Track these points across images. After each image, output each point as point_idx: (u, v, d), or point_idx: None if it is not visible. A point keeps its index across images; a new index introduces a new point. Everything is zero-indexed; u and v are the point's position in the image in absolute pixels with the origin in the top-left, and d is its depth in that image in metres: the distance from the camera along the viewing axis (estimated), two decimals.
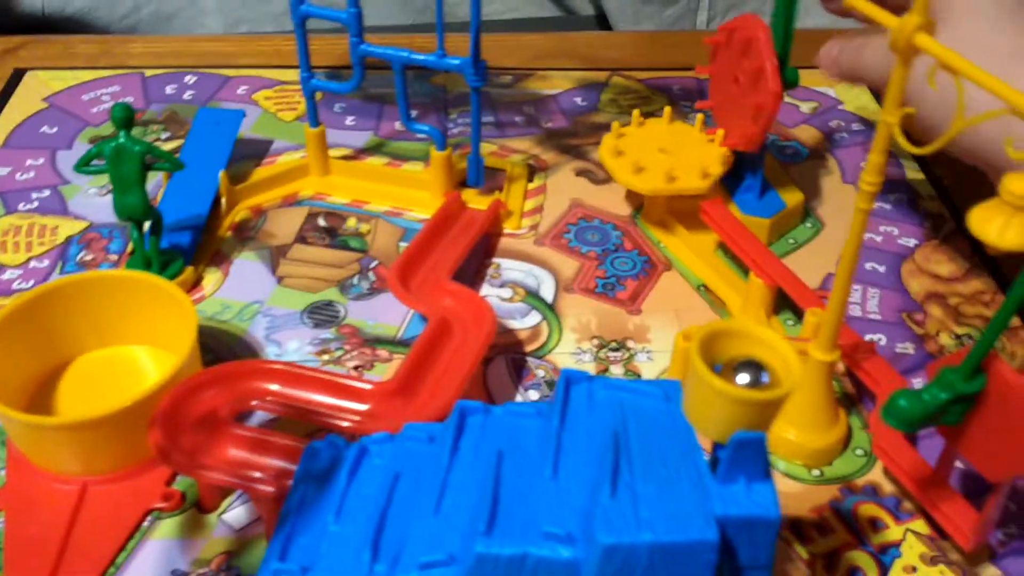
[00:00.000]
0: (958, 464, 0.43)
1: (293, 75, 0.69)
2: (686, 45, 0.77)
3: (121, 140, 0.48)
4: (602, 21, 0.99)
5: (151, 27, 0.98)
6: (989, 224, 0.31)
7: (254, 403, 0.41)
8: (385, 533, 0.32)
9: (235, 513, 0.42)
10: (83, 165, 0.49)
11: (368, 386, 0.42)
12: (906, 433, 0.42)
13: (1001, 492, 0.36)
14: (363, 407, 0.42)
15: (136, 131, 0.64)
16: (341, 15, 0.53)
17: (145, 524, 0.42)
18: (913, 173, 0.64)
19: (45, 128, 0.65)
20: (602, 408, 0.33)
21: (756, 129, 0.53)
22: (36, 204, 0.59)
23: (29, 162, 0.62)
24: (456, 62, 0.53)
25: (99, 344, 0.47)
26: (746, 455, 0.29)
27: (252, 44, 0.75)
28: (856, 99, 0.70)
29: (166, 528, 0.41)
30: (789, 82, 0.54)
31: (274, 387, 0.41)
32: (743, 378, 0.29)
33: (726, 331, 0.30)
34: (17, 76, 0.70)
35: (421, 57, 0.54)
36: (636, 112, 0.58)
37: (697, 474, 0.30)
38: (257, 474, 0.37)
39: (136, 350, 0.48)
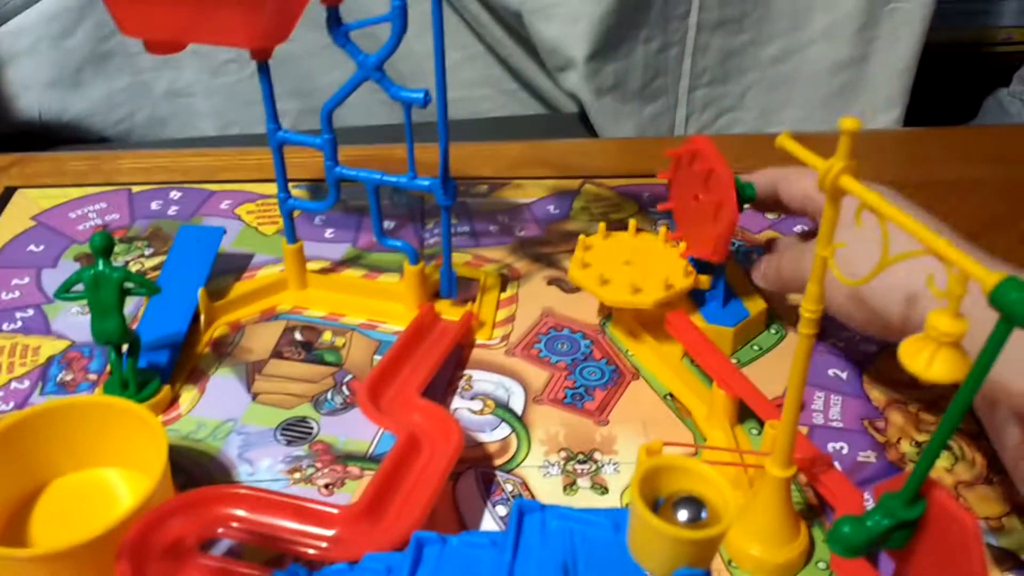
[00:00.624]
0: None
1: (267, 187, 0.72)
2: (660, 151, 0.80)
3: (100, 267, 0.50)
4: (585, 119, 1.02)
5: (146, 131, 1.01)
6: (917, 358, 0.32)
7: (220, 531, 0.42)
8: None
9: None
10: (63, 292, 0.50)
11: (334, 510, 0.43)
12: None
13: None
14: (329, 532, 0.43)
15: (120, 247, 0.67)
16: (316, 141, 0.56)
17: None
18: None
19: (32, 247, 0.67)
20: (553, 539, 0.34)
21: (719, 231, 0.54)
22: (20, 324, 0.60)
23: (15, 281, 0.64)
24: (426, 183, 0.56)
25: (74, 467, 0.48)
26: None
27: (237, 158, 0.78)
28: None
29: None
30: (747, 198, 0.56)
31: (240, 513, 0.42)
32: (683, 515, 0.30)
33: (666, 466, 0.31)
34: (7, 194, 0.72)
35: (393, 179, 0.56)
36: (602, 225, 0.60)
37: None
38: None
39: (110, 472, 0.49)
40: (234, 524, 0.42)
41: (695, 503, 0.30)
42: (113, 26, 0.96)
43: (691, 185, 0.57)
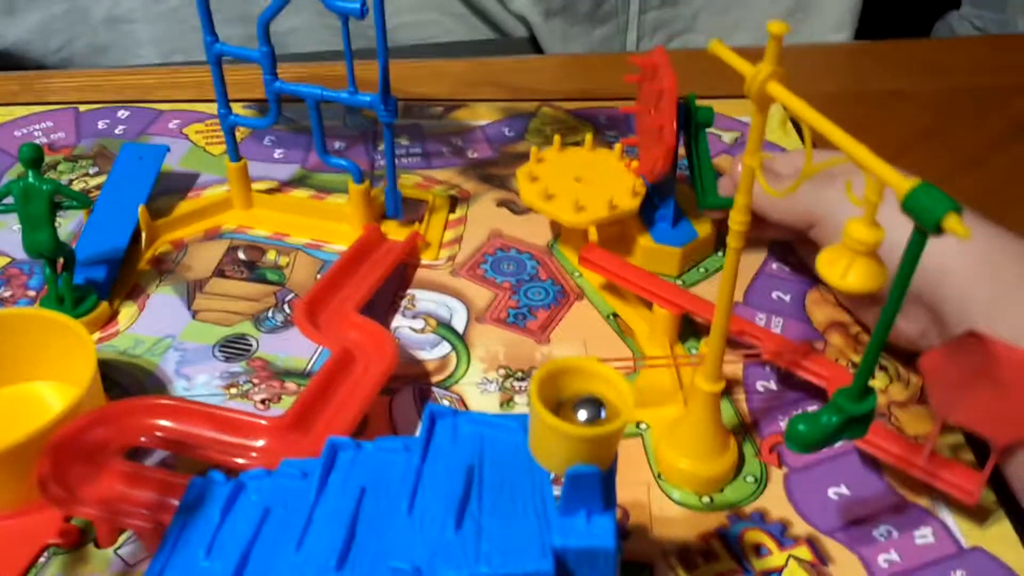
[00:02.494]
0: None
1: (213, 107, 0.71)
2: (612, 68, 0.79)
3: (29, 179, 0.49)
4: (535, 43, 1.00)
5: (85, 60, 0.98)
6: (833, 267, 0.32)
7: (143, 439, 0.41)
8: (247, 570, 0.33)
9: (130, 549, 0.43)
10: None
11: (263, 421, 0.43)
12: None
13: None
14: (258, 443, 0.43)
15: (65, 166, 0.66)
16: (253, 54, 0.55)
17: (42, 560, 0.42)
18: None
19: None
20: (463, 442, 0.34)
21: (660, 152, 0.54)
22: None
23: None
24: (367, 99, 0.55)
25: (7, 381, 0.48)
26: (583, 488, 0.30)
27: (172, 76, 0.76)
28: (775, 131, 0.72)
29: (61, 564, 0.42)
30: (702, 122, 0.56)
31: (164, 423, 0.42)
32: (582, 415, 0.30)
33: (566, 368, 0.31)
34: None
35: (333, 94, 0.55)
36: (557, 138, 0.60)
37: (543, 507, 0.31)
38: (133, 509, 0.38)
39: (43, 386, 0.48)
40: (158, 433, 0.42)
41: (595, 403, 0.30)
42: None
43: (648, 100, 0.56)
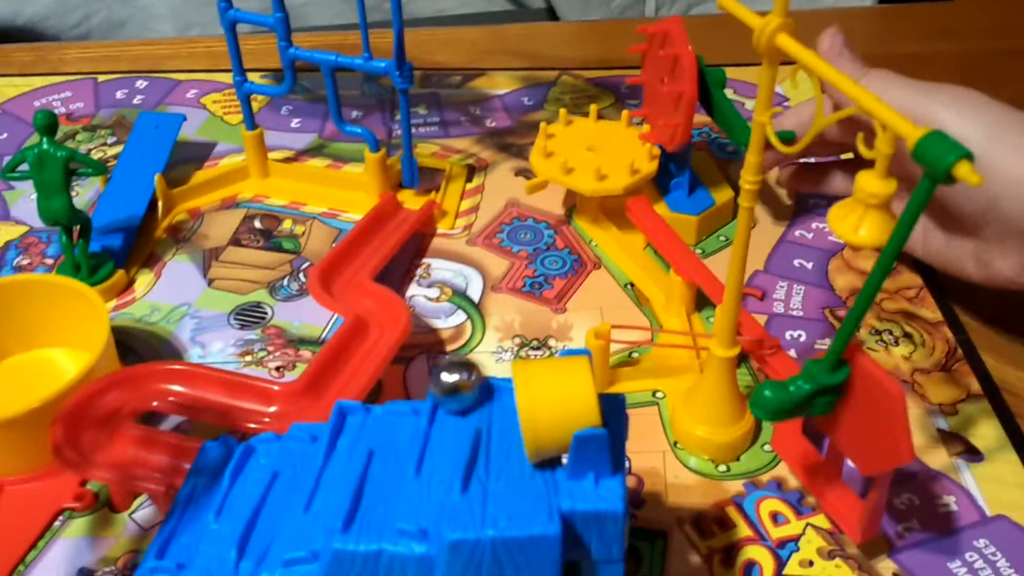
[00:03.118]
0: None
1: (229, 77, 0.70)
2: (631, 36, 0.77)
3: (44, 146, 0.49)
4: (552, 14, 0.99)
5: (103, 34, 0.99)
6: (844, 222, 0.31)
7: (155, 404, 0.41)
8: (256, 531, 0.33)
9: (145, 513, 0.43)
10: (8, 171, 0.50)
11: (275, 387, 0.43)
12: (804, 428, 0.43)
13: (880, 486, 0.36)
14: (270, 408, 0.43)
15: (84, 136, 0.66)
16: (268, 20, 0.54)
17: (57, 523, 0.43)
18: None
19: None
20: (474, 404, 0.34)
21: (678, 120, 0.53)
22: None
23: None
24: (382, 65, 0.54)
25: (23, 348, 0.49)
26: (591, 451, 0.29)
27: (186, 47, 0.76)
28: (802, 95, 0.70)
29: (77, 527, 0.42)
30: (714, 79, 0.54)
31: (177, 388, 0.42)
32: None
33: None
34: None
35: (348, 60, 0.54)
36: (563, 112, 0.59)
37: (551, 471, 0.31)
38: (147, 472, 0.38)
39: (57, 352, 0.49)
40: (171, 398, 0.42)
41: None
42: None
43: (659, 68, 0.55)
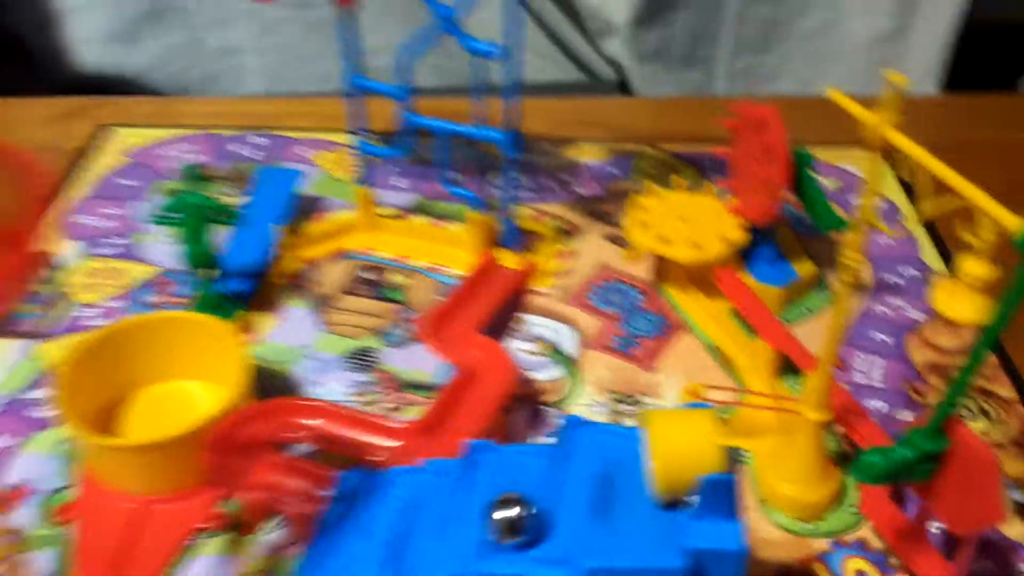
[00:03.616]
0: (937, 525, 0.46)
1: (340, 136, 0.76)
2: (707, 111, 0.82)
3: (192, 196, 0.54)
4: (622, 87, 1.04)
5: (201, 87, 1.05)
6: (949, 300, 0.35)
7: (293, 435, 0.45)
8: (399, 554, 0.36)
9: (274, 536, 0.47)
10: (160, 217, 0.55)
11: (399, 424, 0.47)
12: (891, 492, 0.45)
13: (968, 546, 0.39)
14: (394, 444, 0.47)
15: (203, 186, 0.71)
16: (393, 90, 0.59)
17: (196, 542, 0.46)
18: (927, 252, 0.67)
19: (124, 180, 0.71)
20: (595, 449, 0.37)
21: (769, 200, 0.57)
22: (112, 250, 0.65)
23: (109, 211, 0.68)
24: (496, 134, 0.59)
25: (159, 379, 0.53)
26: (718, 494, 0.33)
27: (307, 106, 0.82)
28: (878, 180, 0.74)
29: (214, 546, 0.46)
30: (802, 160, 0.58)
31: (312, 421, 0.46)
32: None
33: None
34: (101, 132, 0.77)
35: (464, 129, 0.59)
36: (651, 185, 0.63)
37: (675, 511, 0.34)
38: (289, 496, 0.42)
39: (192, 385, 0.53)
40: (304, 431, 0.46)
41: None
42: None
43: (751, 148, 0.59)
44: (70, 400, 0.47)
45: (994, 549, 0.47)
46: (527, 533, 0.34)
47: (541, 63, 1.06)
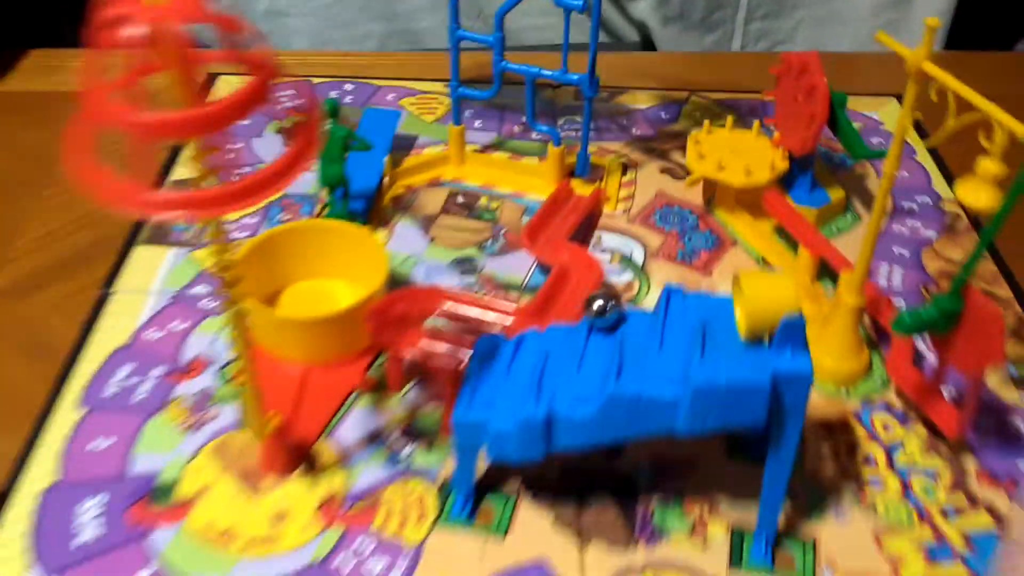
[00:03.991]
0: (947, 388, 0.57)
1: (430, 86, 0.86)
2: (735, 65, 0.92)
3: (330, 125, 0.64)
4: (646, 47, 1.13)
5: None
6: (969, 191, 0.46)
7: (432, 312, 0.56)
8: (541, 385, 0.47)
9: (413, 395, 0.58)
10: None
11: (513, 305, 0.58)
12: (911, 358, 0.57)
13: (975, 387, 0.50)
14: (509, 320, 0.58)
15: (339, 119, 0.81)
16: (488, 39, 0.70)
17: (350, 400, 0.58)
18: (938, 183, 0.78)
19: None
20: (693, 308, 0.48)
21: (810, 133, 0.67)
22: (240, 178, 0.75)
23: (230, 146, 0.79)
24: (575, 78, 0.69)
25: (308, 276, 0.64)
26: (793, 332, 0.44)
27: (394, 59, 0.92)
28: (894, 122, 0.84)
29: (365, 402, 0.57)
30: (838, 101, 0.69)
31: (448, 304, 0.57)
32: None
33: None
34: (211, 79, 0.87)
35: (549, 72, 0.70)
36: (707, 123, 0.73)
37: (758, 348, 0.45)
38: (437, 355, 0.53)
39: (333, 283, 0.64)
40: (443, 309, 0.57)
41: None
42: None
43: (794, 90, 0.70)
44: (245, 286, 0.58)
45: (994, 410, 0.58)
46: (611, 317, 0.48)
47: (571, 27, 1.16)
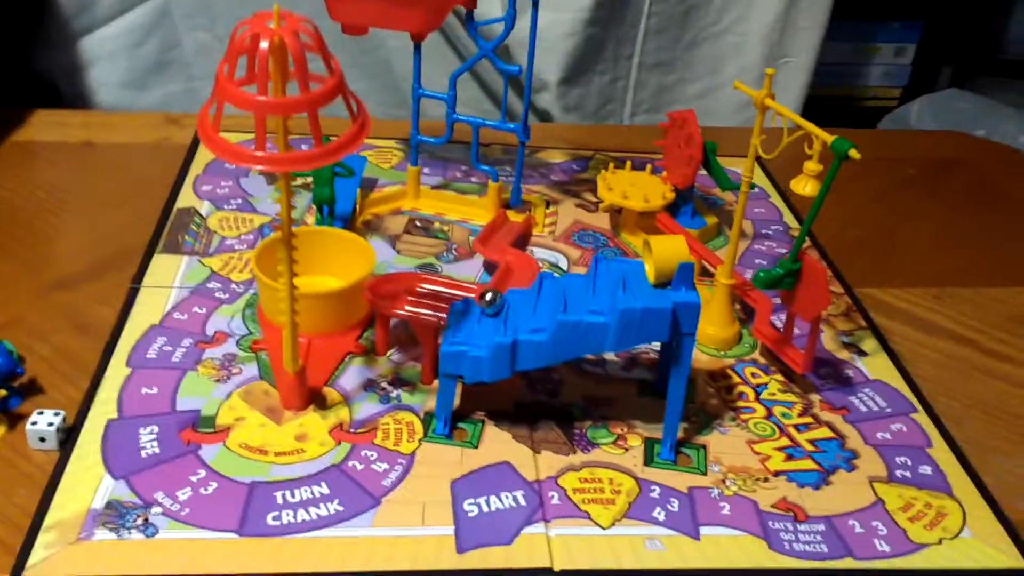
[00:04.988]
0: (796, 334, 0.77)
1: (384, 142, 1.05)
2: (623, 134, 1.14)
3: None
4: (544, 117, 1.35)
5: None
6: (799, 184, 0.66)
7: (415, 288, 0.73)
8: (507, 323, 0.65)
9: (396, 355, 0.74)
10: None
11: (474, 287, 0.75)
12: (768, 320, 0.77)
13: (814, 331, 0.70)
14: (471, 296, 0.75)
15: None
16: (443, 96, 0.89)
17: (345, 361, 0.73)
18: (787, 217, 1.00)
19: (227, 165, 0.98)
20: (615, 268, 0.67)
21: (689, 171, 0.88)
22: (234, 206, 0.91)
23: (223, 183, 0.95)
24: (512, 126, 0.89)
25: (306, 272, 0.79)
26: (685, 275, 0.62)
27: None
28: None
29: (358, 362, 0.73)
30: (710, 147, 0.91)
31: (424, 283, 0.74)
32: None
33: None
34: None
35: (492, 122, 0.89)
36: (611, 164, 0.94)
37: (662, 289, 0.64)
38: (422, 314, 0.69)
39: (322, 278, 0.80)
40: (420, 288, 0.73)
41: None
42: (176, 40, 1.25)
43: (677, 138, 0.91)
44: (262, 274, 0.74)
45: (832, 364, 0.78)
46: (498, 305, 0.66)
47: (483, 115, 1.36)
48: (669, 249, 0.63)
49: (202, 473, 0.63)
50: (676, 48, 1.36)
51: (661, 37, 1.35)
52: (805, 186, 0.66)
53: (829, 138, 0.64)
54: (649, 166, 0.94)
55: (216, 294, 0.79)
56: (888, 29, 1.88)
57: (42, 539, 0.57)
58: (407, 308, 0.71)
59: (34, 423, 0.63)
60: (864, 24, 1.83)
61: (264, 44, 0.52)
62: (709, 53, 1.37)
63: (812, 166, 0.66)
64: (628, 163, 0.94)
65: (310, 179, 0.83)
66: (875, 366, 0.79)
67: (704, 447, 0.69)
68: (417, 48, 0.87)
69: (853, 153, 0.63)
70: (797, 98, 1.39)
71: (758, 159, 0.71)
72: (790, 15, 1.37)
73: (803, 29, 1.38)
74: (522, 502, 0.63)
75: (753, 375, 0.76)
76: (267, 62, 0.53)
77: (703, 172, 0.91)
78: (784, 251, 0.94)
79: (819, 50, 1.40)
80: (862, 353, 0.80)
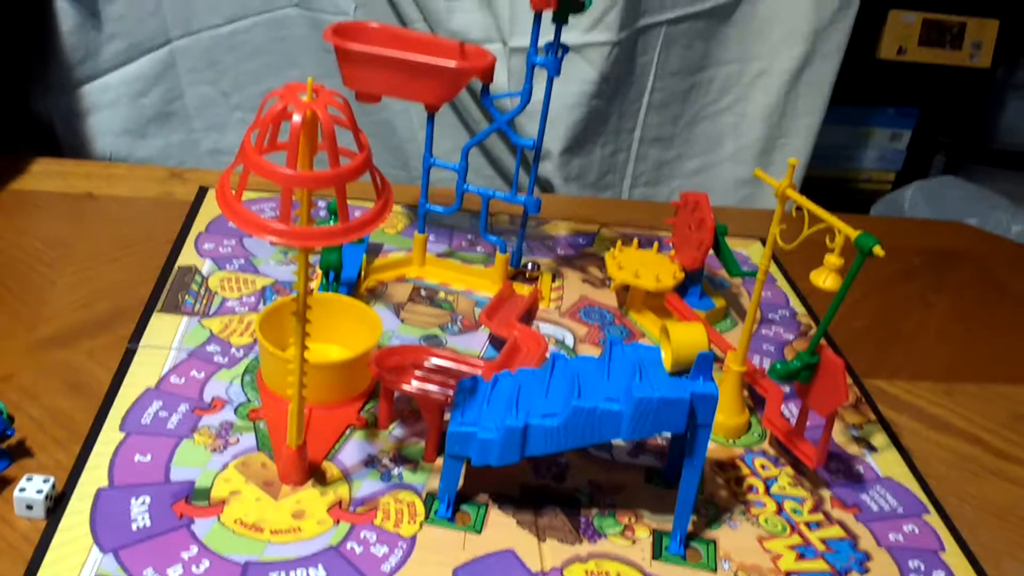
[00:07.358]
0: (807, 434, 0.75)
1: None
2: (627, 209, 1.14)
3: (331, 222, 0.80)
4: (545, 187, 1.35)
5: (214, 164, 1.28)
6: (818, 277, 0.66)
7: (421, 363, 0.71)
8: (519, 406, 0.63)
9: (398, 430, 0.72)
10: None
11: (482, 363, 0.74)
12: (779, 412, 0.75)
13: (829, 426, 0.69)
14: (479, 372, 0.73)
15: None
16: (455, 166, 0.88)
17: (346, 434, 0.71)
18: (794, 302, 0.99)
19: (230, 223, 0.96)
20: (630, 353, 0.65)
21: (699, 254, 0.88)
22: (237, 267, 0.90)
23: (226, 242, 0.93)
24: (522, 198, 0.88)
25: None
26: (704, 365, 0.61)
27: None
28: (758, 256, 1.07)
29: (359, 435, 0.71)
30: (721, 231, 0.90)
31: (431, 357, 0.72)
32: None
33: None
34: (203, 192, 1.02)
35: (502, 195, 0.88)
36: (619, 242, 0.93)
37: (680, 378, 0.62)
38: (429, 391, 0.68)
39: (328, 346, 0.78)
40: (426, 362, 0.72)
41: None
42: (178, 91, 1.25)
43: (688, 220, 0.91)
44: (266, 339, 0.72)
45: (842, 459, 0.76)
46: None
47: (482, 183, 1.37)
48: (688, 337, 0.62)
49: (194, 550, 0.60)
50: (677, 124, 1.37)
51: (663, 112, 1.36)
52: (825, 279, 0.65)
53: (853, 233, 0.63)
54: (656, 244, 0.93)
55: (215, 358, 0.77)
56: (884, 114, 1.91)
57: None
58: (414, 383, 0.69)
59: (22, 489, 0.60)
60: (860, 109, 1.86)
61: (297, 118, 0.51)
62: (708, 131, 1.38)
63: (833, 260, 0.65)
64: (635, 241, 0.94)
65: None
66: (886, 462, 0.77)
67: (714, 542, 0.67)
68: (430, 119, 0.86)
69: (877, 250, 0.62)
70: (795, 179, 1.40)
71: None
72: (789, 98, 1.39)
73: (802, 113, 1.39)
74: None
75: (763, 467, 0.74)
76: (299, 135, 0.52)
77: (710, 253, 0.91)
78: (791, 337, 0.93)
79: (817, 133, 1.41)
80: (872, 448, 0.79)
